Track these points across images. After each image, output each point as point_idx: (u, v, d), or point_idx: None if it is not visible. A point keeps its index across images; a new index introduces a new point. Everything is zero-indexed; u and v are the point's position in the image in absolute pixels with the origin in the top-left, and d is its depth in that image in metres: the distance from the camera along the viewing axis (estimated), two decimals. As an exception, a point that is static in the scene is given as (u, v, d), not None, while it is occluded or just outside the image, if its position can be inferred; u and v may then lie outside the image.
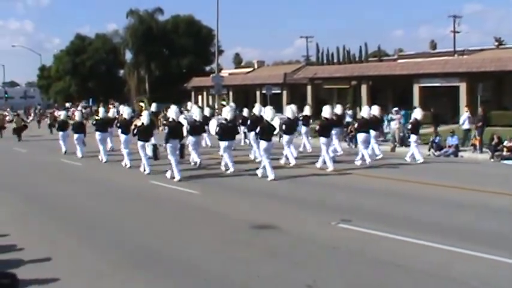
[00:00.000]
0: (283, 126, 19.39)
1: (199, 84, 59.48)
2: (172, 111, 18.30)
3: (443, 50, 54.89)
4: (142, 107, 23.67)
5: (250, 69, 67.50)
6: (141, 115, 20.02)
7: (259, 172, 17.35)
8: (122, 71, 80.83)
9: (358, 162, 19.66)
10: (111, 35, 78.43)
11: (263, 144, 17.23)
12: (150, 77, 71.22)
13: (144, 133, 18.43)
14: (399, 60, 48.64)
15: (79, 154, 23.74)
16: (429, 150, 23.03)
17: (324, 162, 18.75)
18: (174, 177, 17.00)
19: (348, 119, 27.87)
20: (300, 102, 42.63)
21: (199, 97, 61.46)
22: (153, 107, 30.06)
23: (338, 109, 23.09)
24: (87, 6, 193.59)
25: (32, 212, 13.32)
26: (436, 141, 23.30)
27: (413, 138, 20.89)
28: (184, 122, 18.97)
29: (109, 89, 73.76)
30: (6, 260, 8.90)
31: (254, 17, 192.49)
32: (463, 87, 34.98)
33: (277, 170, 17.65)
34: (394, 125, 25.57)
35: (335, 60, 55.63)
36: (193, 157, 20.03)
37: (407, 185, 15.69)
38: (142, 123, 18.54)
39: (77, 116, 25.71)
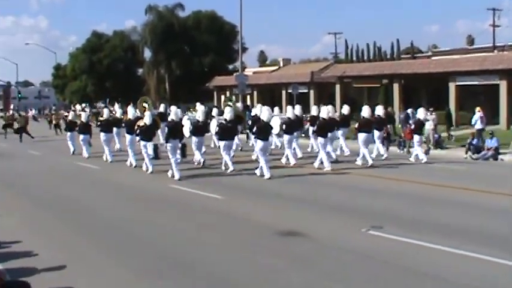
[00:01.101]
0: (284, 126, 20.59)
1: (222, 83, 59.54)
2: (172, 112, 20.04)
3: (482, 46, 54.07)
4: (145, 107, 24.91)
5: (276, 67, 67.43)
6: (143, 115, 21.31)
7: (257, 171, 18.36)
8: (140, 70, 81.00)
9: (359, 162, 20.49)
10: (129, 32, 78.73)
11: (259, 143, 18.38)
12: (170, 76, 71.39)
13: (146, 133, 19.89)
14: (434, 57, 48.16)
15: (85, 154, 24.92)
16: (466, 153, 22.78)
17: (321, 162, 19.70)
18: (173, 176, 18.11)
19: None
20: (328, 102, 42.55)
21: (222, 97, 61.43)
22: (161, 107, 30.38)
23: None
24: (104, 2, 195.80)
25: (47, 216, 13.43)
26: (474, 143, 23.02)
27: (416, 138, 21.69)
28: (188, 123, 20.71)
29: (127, 89, 73.92)
30: (19, 267, 8.96)
31: (280, 13, 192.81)
32: (503, 85, 34.43)
33: (292, 170, 18.46)
34: (429, 126, 25.30)
35: (365, 58, 55.32)
36: (197, 157, 21.08)
37: (432, 188, 15.55)
38: (145, 123, 19.91)
39: (83, 116, 26.52)
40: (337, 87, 45.68)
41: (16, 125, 39.85)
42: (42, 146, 32.69)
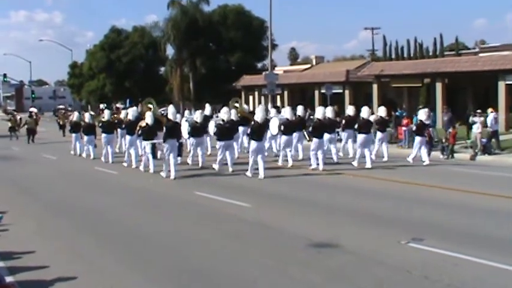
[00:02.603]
0: (282, 127, 22.05)
1: (250, 83, 59.62)
2: (169, 112, 22.45)
3: (534, 42, 53.45)
4: (150, 108, 26.20)
5: (308, 65, 67.46)
6: (143, 116, 23.39)
7: (248, 173, 20.06)
8: (162, 69, 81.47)
9: (355, 163, 21.83)
10: (150, 27, 78.70)
11: (253, 144, 20.08)
12: (194, 75, 71.50)
13: (148, 133, 21.66)
14: (481, 54, 47.61)
15: (91, 155, 27.36)
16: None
17: (314, 163, 21.36)
18: (169, 176, 20.07)
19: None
20: (364, 103, 42.38)
21: (250, 97, 61.59)
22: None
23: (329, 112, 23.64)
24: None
25: (62, 225, 13.60)
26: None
27: (417, 140, 22.65)
28: (186, 124, 22.84)
29: (148, 89, 73.88)
30: (31, 280, 9.05)
31: (312, 7, 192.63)
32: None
33: (316, 177, 18.35)
34: (476, 129, 25.04)
35: (405, 55, 55.01)
36: (196, 157, 23.22)
37: (479, 197, 15.38)
38: (147, 124, 21.82)
39: (87, 117, 28.60)
40: (374, 87, 45.42)
41: (25, 126, 41.41)
42: (57, 149, 33.14)
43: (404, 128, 28.39)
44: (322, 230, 12.07)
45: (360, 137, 22.08)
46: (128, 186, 19.37)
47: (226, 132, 21.57)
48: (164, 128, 20.89)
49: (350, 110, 24.82)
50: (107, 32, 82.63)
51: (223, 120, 21.92)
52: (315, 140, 21.44)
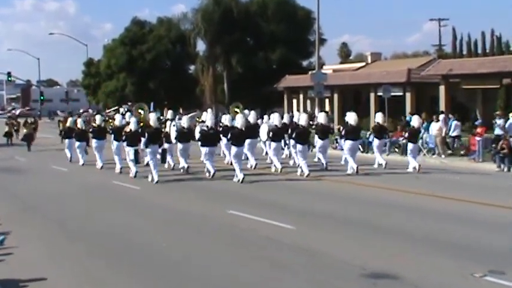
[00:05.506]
0: (270, 134, 25.65)
1: (294, 84, 59.55)
2: (151, 119, 25.80)
3: None
4: (141, 113, 30.09)
5: (362, 64, 67.14)
6: (141, 122, 27.73)
7: (235, 179, 23.39)
8: (192, 67, 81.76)
9: (349, 171, 24.68)
10: (178, 19, 79.16)
11: (234, 149, 23.96)
12: (229, 75, 71.51)
13: (131, 138, 25.48)
14: None
15: (81, 162, 30.74)
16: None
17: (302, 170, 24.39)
18: (153, 180, 23.50)
19: (497, 131, 27.53)
20: (428, 107, 42.06)
21: (294, 101, 61.53)
22: (169, 114, 33.38)
23: (286, 118, 29.24)
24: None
25: (77, 249, 13.67)
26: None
27: (410, 147, 25.79)
28: (173, 129, 26.35)
29: (175, 90, 74.13)
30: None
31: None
32: None
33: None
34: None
35: (479, 51, 54.54)
36: (181, 163, 26.63)
37: None
38: (130, 130, 25.69)
39: (79, 123, 32.16)
40: (441, 88, 44.93)
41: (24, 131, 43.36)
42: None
43: (478, 138, 28.11)
44: (377, 257, 12.01)
45: (347, 143, 25.17)
46: (151, 203, 19.57)
47: (210, 138, 24.87)
48: (146, 134, 24.48)
49: (379, 117, 27.34)
50: (128, 25, 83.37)
51: (207, 126, 25.48)
52: (299, 146, 25.00)
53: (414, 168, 25.07)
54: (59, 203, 20.29)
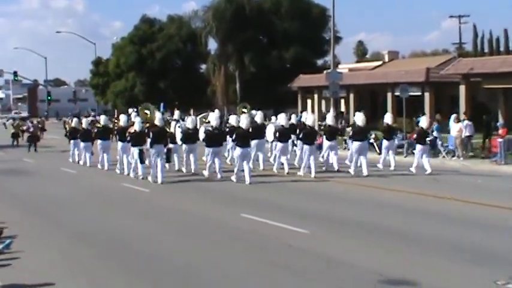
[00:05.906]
0: (277, 134, 26.18)
1: (309, 83, 59.44)
2: (156, 118, 26.36)
3: None
4: (147, 114, 30.22)
5: (379, 62, 66.98)
6: (147, 122, 27.56)
7: (233, 178, 23.98)
8: (203, 66, 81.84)
9: (352, 172, 25.27)
10: (188, 17, 79.52)
11: (238, 150, 24.11)
12: (241, 74, 71.51)
13: (136, 139, 25.52)
14: None
15: (87, 163, 31.17)
16: None
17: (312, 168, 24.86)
18: (156, 181, 24.00)
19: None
20: (448, 107, 41.83)
21: (308, 101, 61.45)
22: (176, 114, 34.61)
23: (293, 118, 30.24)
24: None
25: (87, 254, 13.57)
26: None
27: (418, 148, 26.00)
28: (178, 130, 27.07)
29: (186, 90, 74.37)
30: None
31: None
32: None
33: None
34: None
35: (501, 49, 54.30)
36: (183, 164, 27.48)
37: None
38: (135, 130, 25.73)
39: (84, 123, 32.59)
40: (462, 88, 44.68)
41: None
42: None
43: (500, 140, 27.93)
44: (395, 263, 11.93)
45: (355, 144, 25.44)
46: (162, 207, 19.55)
47: (215, 139, 25.17)
48: (151, 134, 24.70)
49: (388, 118, 27.81)
50: (137, 23, 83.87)
51: (212, 127, 25.72)
52: (306, 146, 25.17)
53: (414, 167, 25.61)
54: (67, 206, 20.21)
